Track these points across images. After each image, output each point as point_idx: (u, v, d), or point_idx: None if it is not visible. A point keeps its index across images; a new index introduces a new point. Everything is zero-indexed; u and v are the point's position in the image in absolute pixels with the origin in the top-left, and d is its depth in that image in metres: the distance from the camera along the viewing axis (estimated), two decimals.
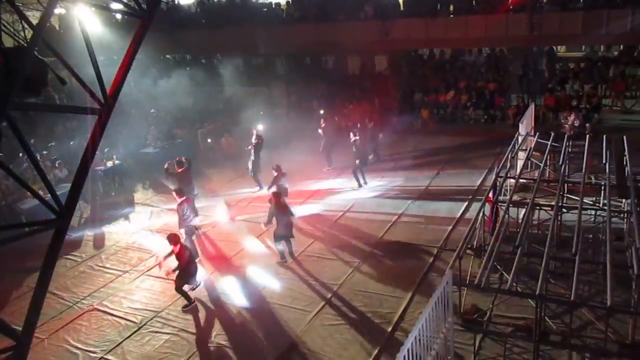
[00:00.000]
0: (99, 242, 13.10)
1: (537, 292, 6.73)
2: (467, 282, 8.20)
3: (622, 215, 9.69)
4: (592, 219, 10.21)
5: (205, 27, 25.86)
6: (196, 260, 10.42)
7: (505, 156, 11.40)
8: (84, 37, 4.92)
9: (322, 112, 21.72)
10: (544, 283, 7.13)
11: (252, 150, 14.98)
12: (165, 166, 14.28)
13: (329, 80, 24.78)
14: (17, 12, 4.88)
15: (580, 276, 7.10)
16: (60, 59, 4.90)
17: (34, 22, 4.97)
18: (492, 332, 8.09)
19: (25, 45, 4.49)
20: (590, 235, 10.05)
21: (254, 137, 15.22)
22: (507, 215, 9.09)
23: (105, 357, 8.72)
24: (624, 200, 9.77)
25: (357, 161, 14.79)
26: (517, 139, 12.47)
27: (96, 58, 5.03)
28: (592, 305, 8.05)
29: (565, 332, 7.68)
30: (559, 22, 18.69)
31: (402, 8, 22.44)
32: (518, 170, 11.52)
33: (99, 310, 10.05)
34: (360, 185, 14.90)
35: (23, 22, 4.92)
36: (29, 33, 4.71)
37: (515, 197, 9.76)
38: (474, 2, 20.94)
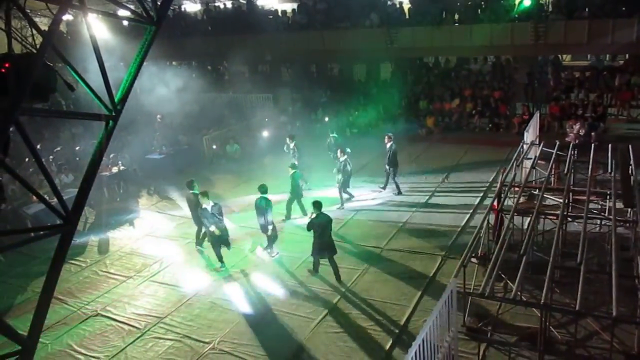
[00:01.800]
0: (103, 248, 13.13)
1: (542, 301, 6.71)
2: (472, 291, 8.17)
3: (627, 224, 9.65)
4: (598, 228, 10.17)
5: (211, 34, 26.03)
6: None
7: (511, 165, 11.39)
8: (92, 44, 4.95)
9: (326, 119, 21.83)
10: (549, 292, 7.10)
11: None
12: None
13: (335, 87, 24.85)
14: (27, 18, 4.92)
15: (585, 286, 7.07)
16: (69, 65, 4.94)
17: (43, 28, 5.02)
18: (497, 342, 8.05)
19: (34, 51, 4.53)
20: (596, 245, 10.00)
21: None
22: (511, 224, 9.07)
23: None
24: (629, 210, 9.74)
25: (390, 168, 14.72)
26: (522, 147, 12.46)
27: (104, 64, 5.06)
28: (597, 315, 8.00)
29: (570, 342, 7.64)
30: (564, 31, 18.72)
31: (407, 16, 22.52)
32: (523, 179, 11.50)
33: (102, 315, 10.07)
34: (400, 192, 14.87)
35: (32, 28, 4.96)
36: (37, 39, 4.75)
37: (520, 206, 9.73)
38: (479, 10, 20.99)
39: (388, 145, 14.69)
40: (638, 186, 9.51)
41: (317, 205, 10.37)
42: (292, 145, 15.67)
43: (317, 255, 10.70)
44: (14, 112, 4.13)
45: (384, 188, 15.23)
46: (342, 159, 13.99)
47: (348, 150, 14.37)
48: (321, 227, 10.30)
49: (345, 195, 14.46)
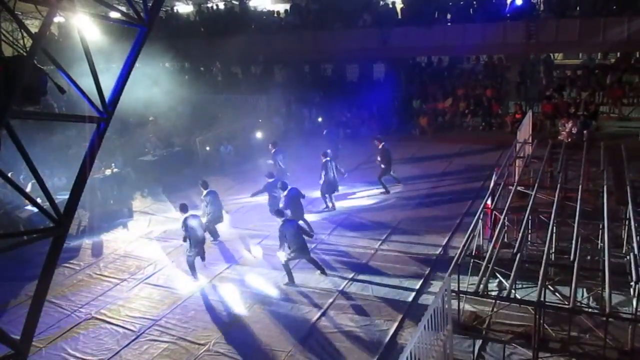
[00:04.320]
0: (97, 250, 13.07)
1: (536, 299, 6.74)
2: (466, 290, 8.18)
3: (620, 221, 9.70)
4: (590, 226, 10.21)
5: (204, 35, 25.98)
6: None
7: (504, 163, 11.43)
8: (83, 46, 4.94)
9: (320, 119, 21.84)
10: (543, 290, 7.12)
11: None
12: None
13: (328, 87, 24.85)
14: (17, 21, 4.90)
15: (578, 283, 7.10)
16: (60, 67, 4.92)
17: (33, 30, 5.00)
18: (491, 340, 8.07)
19: (25, 54, 4.51)
20: (589, 242, 10.04)
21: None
22: (505, 222, 9.09)
23: None
24: (622, 207, 9.79)
25: (383, 166, 14.88)
26: (515, 146, 12.50)
27: (95, 66, 5.05)
28: (590, 312, 8.04)
29: (564, 339, 7.67)
30: (555, 30, 18.82)
31: (400, 16, 22.56)
32: (516, 178, 11.53)
33: (97, 318, 10.01)
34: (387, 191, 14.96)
35: (22, 31, 4.94)
36: (28, 42, 4.73)
37: (513, 204, 9.76)
38: (471, 10, 21.06)
39: (380, 146, 14.85)
40: (630, 184, 9.57)
41: (279, 213, 10.57)
42: (272, 150, 15.28)
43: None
44: (4, 115, 4.11)
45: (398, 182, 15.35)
46: (323, 160, 13.97)
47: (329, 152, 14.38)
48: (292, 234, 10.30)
49: (327, 198, 14.19)
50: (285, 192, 11.92)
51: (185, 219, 10.87)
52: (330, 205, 14.18)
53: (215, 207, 12.38)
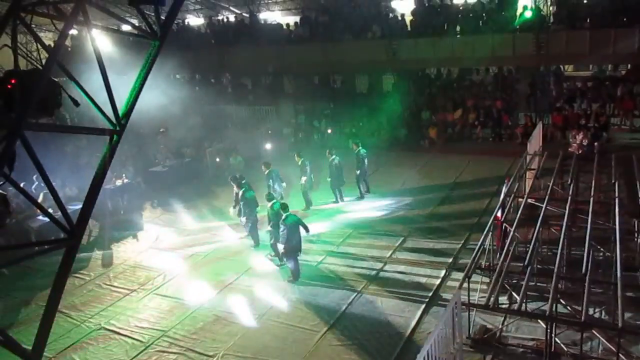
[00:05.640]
0: (107, 261, 13.12)
1: (547, 312, 6.68)
2: (476, 303, 8.14)
3: (632, 234, 9.63)
4: (602, 238, 10.13)
5: (215, 47, 26.20)
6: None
7: (514, 175, 11.39)
8: (97, 59, 5.00)
9: (329, 131, 21.89)
10: (554, 303, 7.07)
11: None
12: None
13: (337, 99, 24.93)
14: (32, 34, 4.98)
15: (590, 296, 7.04)
16: (75, 81, 4.98)
17: (47, 43, 5.08)
18: (502, 353, 8.01)
19: (40, 67, 4.57)
20: (600, 255, 9.96)
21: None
22: (515, 235, 9.05)
23: None
24: (634, 219, 9.72)
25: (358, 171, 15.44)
26: (525, 158, 12.47)
27: (108, 79, 5.10)
28: (603, 326, 7.96)
29: (576, 354, 7.59)
30: (565, 42, 18.79)
31: (409, 28, 22.63)
32: (526, 189, 11.49)
33: (106, 329, 10.03)
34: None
35: (37, 43, 5.02)
36: (42, 53, 4.80)
37: (523, 216, 9.71)
38: (481, 22, 21.08)
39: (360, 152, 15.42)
40: None
41: (284, 206, 10.94)
42: (265, 172, 14.41)
43: (294, 260, 11.00)
44: (20, 127, 4.17)
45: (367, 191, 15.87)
46: (330, 158, 14.95)
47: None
48: (291, 228, 10.72)
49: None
50: (270, 205, 11.81)
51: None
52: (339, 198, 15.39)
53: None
